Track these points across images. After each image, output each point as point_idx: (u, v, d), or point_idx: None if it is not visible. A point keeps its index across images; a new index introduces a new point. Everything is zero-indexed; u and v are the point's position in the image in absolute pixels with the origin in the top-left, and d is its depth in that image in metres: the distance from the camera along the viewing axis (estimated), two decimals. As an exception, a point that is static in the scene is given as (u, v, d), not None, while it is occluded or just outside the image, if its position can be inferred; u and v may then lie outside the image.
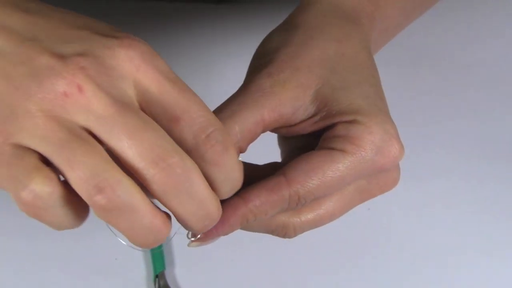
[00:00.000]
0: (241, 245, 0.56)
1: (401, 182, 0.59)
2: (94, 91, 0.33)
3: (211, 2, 0.74)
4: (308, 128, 0.42)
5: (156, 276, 0.53)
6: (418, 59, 0.70)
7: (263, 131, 0.42)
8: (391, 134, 0.41)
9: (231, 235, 0.57)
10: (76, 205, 0.35)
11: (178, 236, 0.57)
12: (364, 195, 0.43)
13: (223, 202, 0.39)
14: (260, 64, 0.43)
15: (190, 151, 0.35)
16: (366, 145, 0.40)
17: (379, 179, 0.43)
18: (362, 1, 0.47)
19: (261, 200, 0.39)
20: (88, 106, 0.33)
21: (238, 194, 0.40)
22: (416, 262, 0.55)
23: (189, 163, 0.35)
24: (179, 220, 0.37)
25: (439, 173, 0.61)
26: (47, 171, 0.33)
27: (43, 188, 0.33)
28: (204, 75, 0.67)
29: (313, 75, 0.41)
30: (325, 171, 0.40)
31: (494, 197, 0.59)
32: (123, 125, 0.34)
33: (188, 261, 0.55)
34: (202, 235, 0.41)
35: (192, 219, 0.36)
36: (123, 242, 0.38)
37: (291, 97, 0.41)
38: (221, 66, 0.68)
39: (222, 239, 0.57)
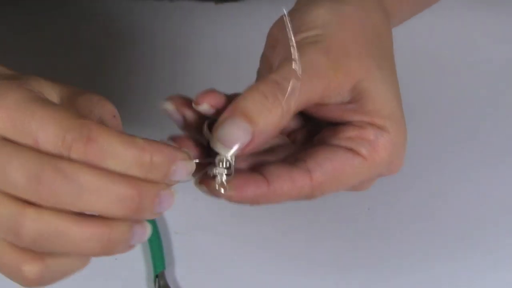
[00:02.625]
0: (241, 245, 0.56)
1: (401, 182, 0.60)
2: None
3: (211, 2, 0.74)
4: (335, 112, 0.41)
5: (156, 276, 0.53)
6: (419, 59, 0.70)
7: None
8: (404, 148, 0.42)
9: (231, 235, 0.57)
10: (64, 268, 0.36)
11: (178, 236, 0.57)
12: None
13: (243, 172, 0.39)
14: (308, 37, 0.41)
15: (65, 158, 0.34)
16: (386, 157, 0.40)
17: (366, 182, 0.43)
18: None
19: (283, 189, 0.39)
20: None
21: (260, 171, 0.39)
22: (416, 262, 0.55)
23: (63, 165, 0.33)
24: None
25: (440, 173, 0.61)
26: (26, 252, 0.34)
27: (35, 269, 0.35)
28: (204, 74, 0.67)
29: (362, 66, 0.41)
30: (343, 177, 0.40)
31: (495, 197, 0.59)
32: None
33: (188, 261, 0.55)
34: (209, 190, 0.39)
35: (108, 208, 0.34)
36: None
37: (338, 84, 0.40)
38: (221, 65, 0.68)
39: (221, 239, 0.57)
